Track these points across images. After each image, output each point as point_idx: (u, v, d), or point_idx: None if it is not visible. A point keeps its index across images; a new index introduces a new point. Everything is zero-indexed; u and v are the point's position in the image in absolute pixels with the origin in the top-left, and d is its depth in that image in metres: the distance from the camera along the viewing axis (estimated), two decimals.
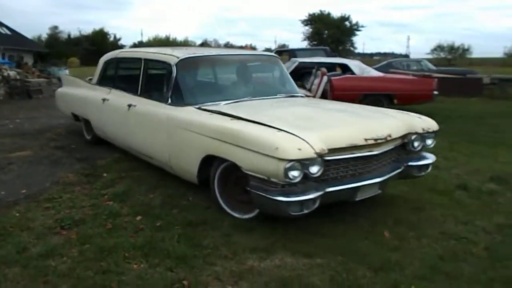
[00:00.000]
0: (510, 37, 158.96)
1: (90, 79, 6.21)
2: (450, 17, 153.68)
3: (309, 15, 55.82)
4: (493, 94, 13.22)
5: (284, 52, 17.47)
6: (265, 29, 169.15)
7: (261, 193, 3.06)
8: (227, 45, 73.23)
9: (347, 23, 54.80)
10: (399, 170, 3.68)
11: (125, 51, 5.79)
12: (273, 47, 57.78)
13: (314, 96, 8.97)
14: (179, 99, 4.15)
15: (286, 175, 2.92)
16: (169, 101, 4.17)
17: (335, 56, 13.64)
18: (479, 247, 3.15)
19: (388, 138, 3.47)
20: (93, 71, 6.32)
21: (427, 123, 3.92)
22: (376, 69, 12.72)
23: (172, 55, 4.38)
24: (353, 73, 9.87)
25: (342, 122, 3.67)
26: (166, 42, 59.91)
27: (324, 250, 3.05)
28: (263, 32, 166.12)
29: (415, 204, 3.97)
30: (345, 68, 10.16)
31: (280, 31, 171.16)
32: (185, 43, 63.28)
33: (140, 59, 4.92)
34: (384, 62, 19.52)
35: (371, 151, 3.36)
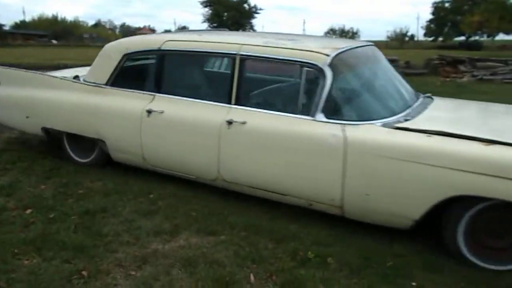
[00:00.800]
0: (392, 22, 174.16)
1: (76, 77, 4.28)
2: (341, 2, 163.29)
3: None
4: None
5: None
6: (163, 10, 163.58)
7: None
8: (123, 27, 69.66)
9: (245, 5, 55.38)
10: None
11: (181, 41, 3.73)
12: (173, 28, 56.37)
13: None
14: (340, 113, 3.06)
15: None
16: (320, 115, 3.01)
17: None
18: None
19: None
20: None
21: None
22: None
23: (314, 52, 3.13)
24: None
25: None
26: (54, 22, 54.98)
27: (228, 227, 3.11)
28: (162, 13, 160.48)
29: None
30: None
31: (180, 12, 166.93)
32: (76, 24, 58.73)
33: (233, 55, 3.35)
34: None
35: None
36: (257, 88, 3.59)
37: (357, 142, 2.85)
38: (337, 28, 58.15)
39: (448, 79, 13.73)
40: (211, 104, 3.43)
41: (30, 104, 4.37)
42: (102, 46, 4.24)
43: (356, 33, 57.51)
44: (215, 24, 49.60)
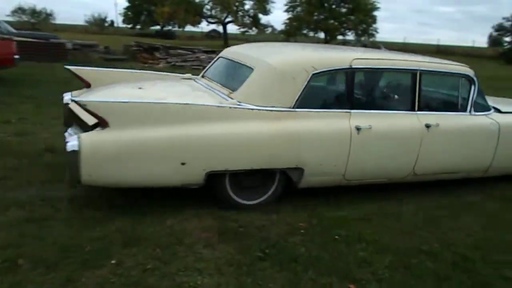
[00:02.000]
0: (89, 6, 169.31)
1: (240, 105, 3.37)
2: None
3: None
4: (77, 59, 13.83)
5: None
6: None
7: None
8: None
9: None
10: None
11: (370, 59, 3.94)
12: None
13: None
14: (480, 107, 4.34)
15: None
16: (473, 111, 4.26)
17: None
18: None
19: None
20: None
21: None
22: None
23: (464, 66, 4.31)
24: None
25: None
26: None
27: None
28: None
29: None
30: None
31: None
32: None
33: (415, 70, 4.02)
34: None
35: None
36: (426, 95, 4.22)
37: (506, 126, 4.33)
38: (26, 7, 51.77)
39: (146, 65, 14.53)
40: (404, 113, 3.99)
41: (189, 145, 3.22)
42: None
43: (50, 14, 52.81)
44: None
